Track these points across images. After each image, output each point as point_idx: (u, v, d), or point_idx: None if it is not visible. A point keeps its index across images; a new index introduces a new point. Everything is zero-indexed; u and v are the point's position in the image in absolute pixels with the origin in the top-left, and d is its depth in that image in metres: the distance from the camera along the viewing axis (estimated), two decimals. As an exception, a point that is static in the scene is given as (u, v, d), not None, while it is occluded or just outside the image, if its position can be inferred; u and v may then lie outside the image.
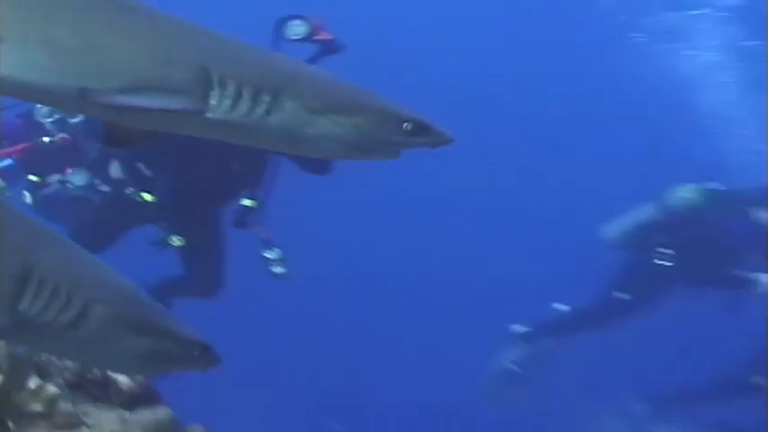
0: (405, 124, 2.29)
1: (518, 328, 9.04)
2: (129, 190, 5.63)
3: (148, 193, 5.62)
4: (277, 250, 5.84)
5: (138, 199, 5.65)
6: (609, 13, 17.32)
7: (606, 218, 8.79)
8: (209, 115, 2.05)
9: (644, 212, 8.44)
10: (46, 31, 1.96)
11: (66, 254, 2.22)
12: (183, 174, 5.66)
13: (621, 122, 19.42)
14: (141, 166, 5.65)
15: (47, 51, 1.95)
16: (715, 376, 9.32)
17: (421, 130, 2.32)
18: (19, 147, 5.77)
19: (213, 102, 2.04)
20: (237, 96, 2.06)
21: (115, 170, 5.71)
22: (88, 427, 2.63)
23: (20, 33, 1.90)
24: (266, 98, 2.09)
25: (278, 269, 5.83)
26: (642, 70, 16.90)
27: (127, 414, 2.84)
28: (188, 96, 2.01)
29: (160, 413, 2.90)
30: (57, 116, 5.73)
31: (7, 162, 5.79)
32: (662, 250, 8.25)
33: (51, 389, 2.62)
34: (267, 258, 5.84)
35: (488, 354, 9.33)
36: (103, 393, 2.88)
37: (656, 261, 8.29)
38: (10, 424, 2.45)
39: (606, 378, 10.22)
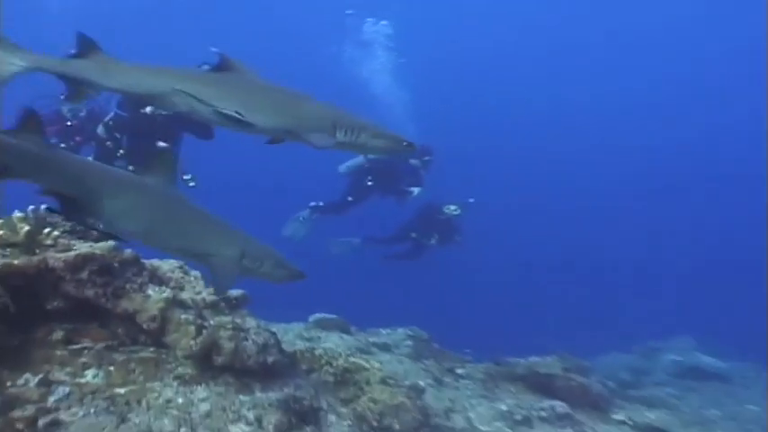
0: (404, 143, 3.10)
1: (313, 203, 10.83)
2: (109, 144, 6.67)
3: (120, 147, 6.77)
4: (190, 174, 6.76)
5: (116, 150, 6.83)
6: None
7: (343, 161, 10.53)
8: (336, 142, 2.92)
9: (359, 159, 10.13)
10: (269, 106, 2.88)
11: (251, 240, 3.15)
12: (138, 138, 6.76)
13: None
14: (117, 134, 6.78)
15: (270, 114, 2.86)
16: (394, 232, 11.33)
17: (409, 145, 3.13)
18: (56, 128, 6.78)
19: (338, 136, 2.90)
20: (345, 133, 2.91)
21: (100, 131, 6.80)
22: (75, 249, 3.04)
23: (253, 105, 2.83)
24: (356, 133, 2.94)
25: (192, 184, 6.77)
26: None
27: (94, 243, 3.23)
28: (328, 135, 2.89)
29: (110, 243, 3.25)
30: (72, 112, 6.87)
31: (54, 139, 6.67)
32: (369, 177, 10.18)
33: (56, 233, 3.09)
34: (185, 179, 6.78)
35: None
36: (85, 235, 3.28)
37: (366, 182, 10.26)
38: (37, 250, 2.86)
39: (343, 232, 11.76)
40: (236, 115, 2.71)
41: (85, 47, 2.76)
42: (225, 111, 2.70)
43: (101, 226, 2.94)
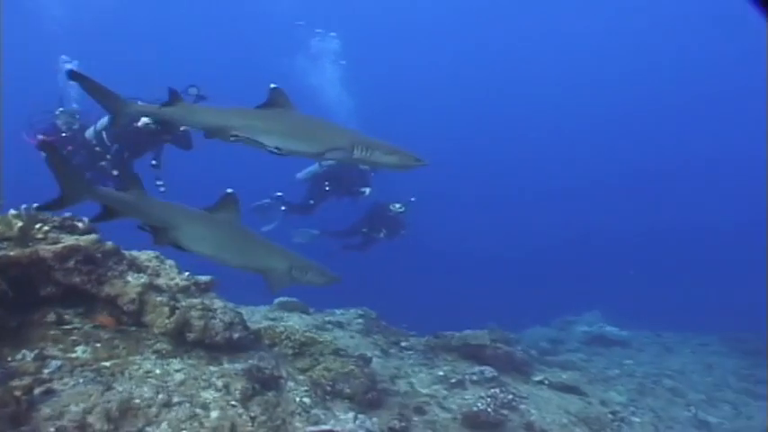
0: (415, 159, 3.27)
1: (278, 193, 10.25)
2: (97, 148, 6.64)
3: (107, 153, 6.69)
4: (162, 180, 6.86)
5: (103, 155, 6.74)
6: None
7: (301, 168, 9.89)
8: (353, 158, 3.20)
9: (314, 167, 9.38)
10: (303, 137, 3.25)
11: (297, 256, 3.55)
12: (126, 148, 6.72)
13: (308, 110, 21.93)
14: (108, 142, 6.69)
15: (304, 143, 3.25)
16: (348, 226, 10.81)
17: (417, 160, 3.29)
18: (52, 139, 6.68)
19: (354, 153, 3.17)
20: (361, 151, 3.18)
21: (89, 134, 6.73)
22: (63, 242, 3.10)
23: (291, 136, 3.26)
24: (369, 151, 3.20)
25: (162, 189, 6.80)
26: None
27: (80, 237, 3.28)
28: (349, 152, 3.17)
29: (93, 236, 3.32)
30: (67, 125, 6.81)
31: None
32: (326, 183, 9.48)
33: (46, 228, 3.14)
34: (158, 184, 6.84)
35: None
36: (72, 230, 3.30)
37: (324, 186, 9.46)
38: (30, 243, 2.91)
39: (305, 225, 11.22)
40: (276, 150, 3.20)
41: (173, 97, 3.34)
42: (268, 147, 3.20)
43: (183, 249, 3.40)
